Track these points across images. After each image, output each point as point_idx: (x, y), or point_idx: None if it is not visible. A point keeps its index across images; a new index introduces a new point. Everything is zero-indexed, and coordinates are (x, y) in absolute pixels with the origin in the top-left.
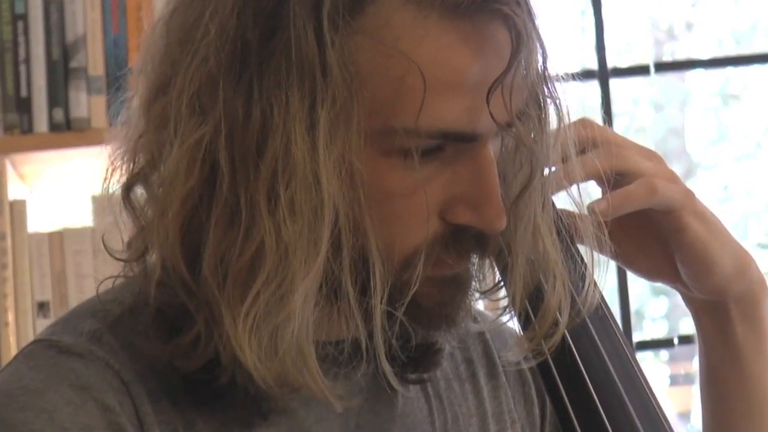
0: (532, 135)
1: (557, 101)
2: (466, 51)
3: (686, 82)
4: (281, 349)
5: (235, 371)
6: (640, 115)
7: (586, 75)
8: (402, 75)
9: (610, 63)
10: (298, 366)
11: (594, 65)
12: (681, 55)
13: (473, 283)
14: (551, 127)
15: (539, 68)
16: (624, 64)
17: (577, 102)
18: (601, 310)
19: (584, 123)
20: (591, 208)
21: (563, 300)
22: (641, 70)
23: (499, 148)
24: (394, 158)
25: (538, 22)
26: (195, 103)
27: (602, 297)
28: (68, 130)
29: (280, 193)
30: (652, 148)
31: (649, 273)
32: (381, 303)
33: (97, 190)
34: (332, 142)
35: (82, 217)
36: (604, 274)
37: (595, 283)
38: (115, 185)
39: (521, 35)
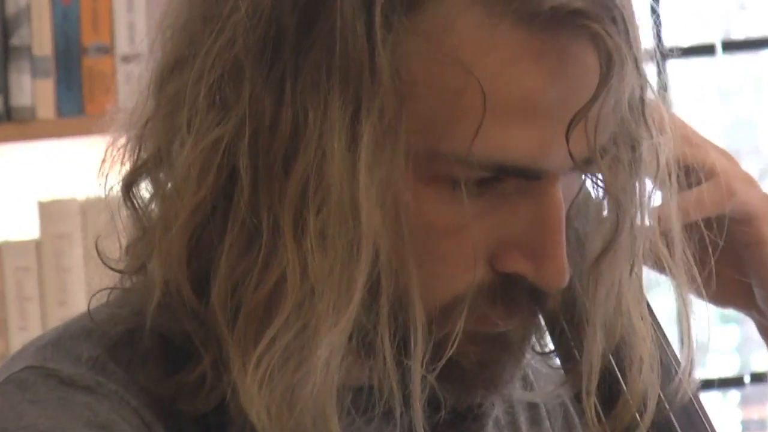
0: (619, 180)
1: (656, 142)
2: (541, 70)
3: (760, 63)
4: (297, 407)
5: (245, 425)
6: (704, 104)
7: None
8: (459, 90)
9: (668, 41)
10: (317, 426)
11: (648, 44)
12: (754, 32)
13: (526, 343)
14: (646, 173)
15: (635, 100)
16: (685, 43)
17: None
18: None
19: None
20: (654, 215)
21: (650, 389)
22: (706, 50)
23: (576, 189)
24: (438, 187)
25: (638, 44)
26: (215, 94)
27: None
28: (8, 121)
29: (308, 218)
30: (718, 142)
31: (717, 297)
32: (422, 365)
33: (44, 195)
34: (376, 164)
35: (26, 228)
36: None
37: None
38: (114, 180)
39: (612, 59)
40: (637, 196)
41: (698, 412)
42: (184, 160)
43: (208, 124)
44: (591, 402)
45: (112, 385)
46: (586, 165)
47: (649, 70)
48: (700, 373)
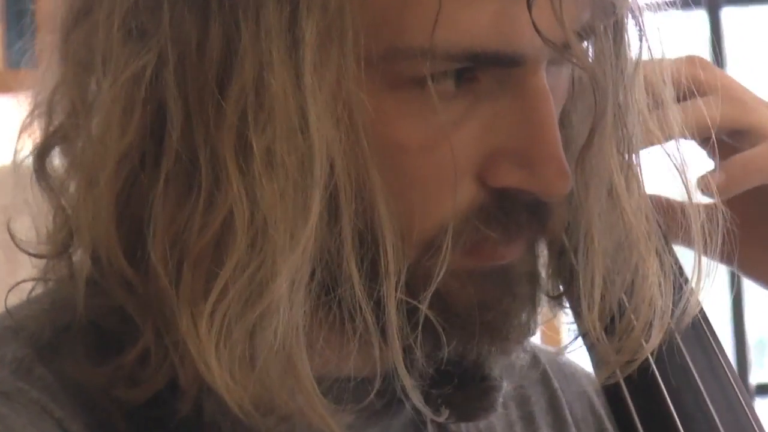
0: (599, 58)
1: (638, 15)
2: None
3: None
4: (261, 358)
5: (201, 397)
6: (762, 58)
7: (689, 2)
8: None
9: None
10: (286, 382)
11: None
12: None
13: (534, 282)
14: (630, 52)
15: None
16: None
17: (677, 36)
18: (698, 323)
19: (695, 61)
20: (702, 183)
21: (658, 298)
22: None
23: (566, 84)
24: (404, 95)
25: None
26: (131, 24)
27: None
28: None
29: (252, 141)
30: None
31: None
32: (396, 290)
33: None
34: (323, 65)
35: None
36: (711, 276)
37: (692, 288)
38: (27, 152)
39: None
40: (621, 74)
41: (709, 335)
42: (102, 104)
43: (126, 57)
44: (594, 318)
45: (34, 393)
46: (565, 49)
47: (699, 19)
48: (757, 376)
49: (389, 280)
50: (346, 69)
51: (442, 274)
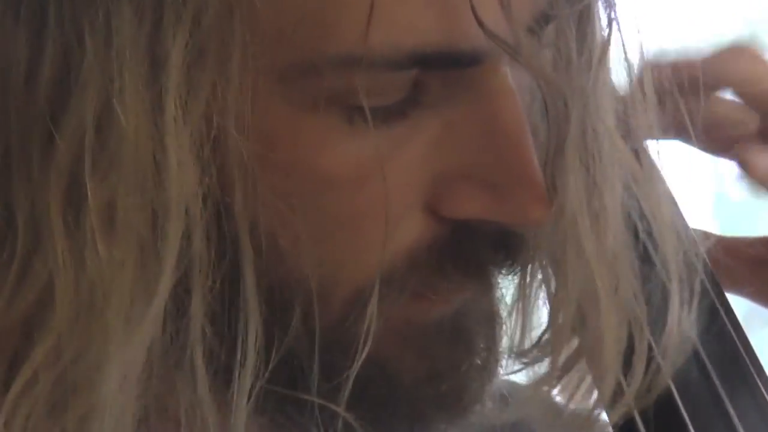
0: (565, 57)
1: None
2: None
3: None
4: None
5: None
6: None
7: None
8: None
9: None
10: None
11: None
12: None
13: (492, 323)
14: (596, 39)
15: None
16: None
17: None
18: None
19: (744, 54)
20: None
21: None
22: None
23: (527, 85)
24: (330, 117)
25: None
26: None
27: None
28: None
29: (87, 191)
30: None
31: None
32: (249, 394)
33: None
34: (194, 91)
35: None
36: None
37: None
38: None
39: None
40: (586, 75)
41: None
42: None
43: None
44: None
45: None
46: (515, 49)
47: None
48: None
49: (244, 373)
50: (228, 92)
51: (369, 340)
